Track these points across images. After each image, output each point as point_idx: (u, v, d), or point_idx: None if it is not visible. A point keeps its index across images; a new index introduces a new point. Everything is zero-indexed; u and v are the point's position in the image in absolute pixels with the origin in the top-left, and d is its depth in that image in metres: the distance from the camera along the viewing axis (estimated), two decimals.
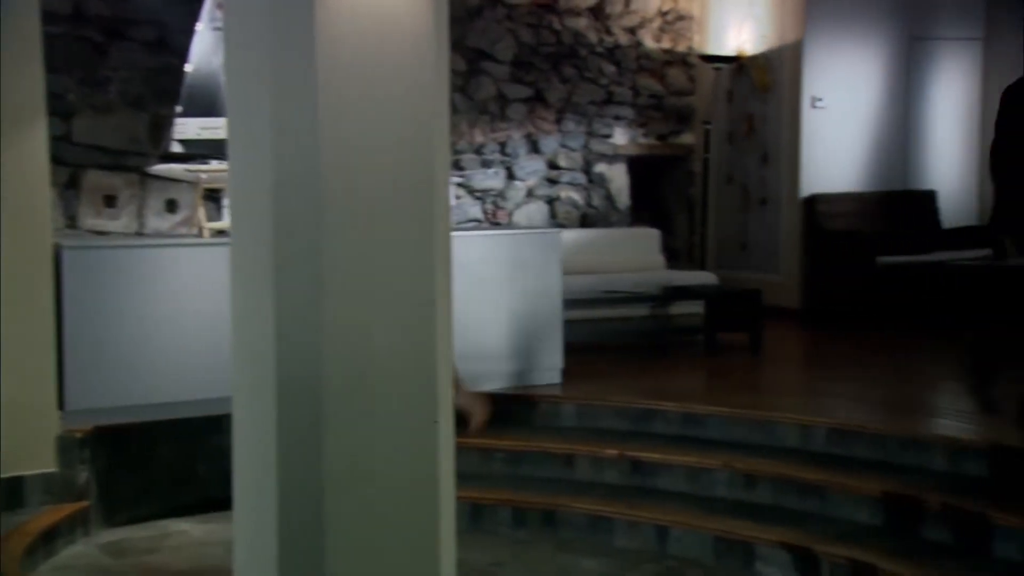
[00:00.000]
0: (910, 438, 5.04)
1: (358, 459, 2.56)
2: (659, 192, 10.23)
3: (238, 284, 2.70)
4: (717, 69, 9.50)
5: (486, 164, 9.19)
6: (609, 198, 9.73)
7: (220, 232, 6.00)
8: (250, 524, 2.64)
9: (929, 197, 9.33)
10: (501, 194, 9.29)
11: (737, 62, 9.46)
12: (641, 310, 7.73)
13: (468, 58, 9.07)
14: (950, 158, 9.49)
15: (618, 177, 9.76)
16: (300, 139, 2.53)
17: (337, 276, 2.54)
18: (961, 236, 9.01)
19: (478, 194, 9.16)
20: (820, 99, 8.97)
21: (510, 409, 6.05)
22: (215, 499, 4.97)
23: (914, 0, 9.30)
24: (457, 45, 8.93)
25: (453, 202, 8.78)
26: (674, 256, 9.69)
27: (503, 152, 9.28)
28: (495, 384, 6.15)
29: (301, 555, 2.53)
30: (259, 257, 2.60)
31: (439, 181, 2.63)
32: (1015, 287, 7.64)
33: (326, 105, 2.51)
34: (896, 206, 9.20)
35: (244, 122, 2.66)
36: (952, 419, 5.63)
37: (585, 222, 9.56)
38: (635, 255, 8.63)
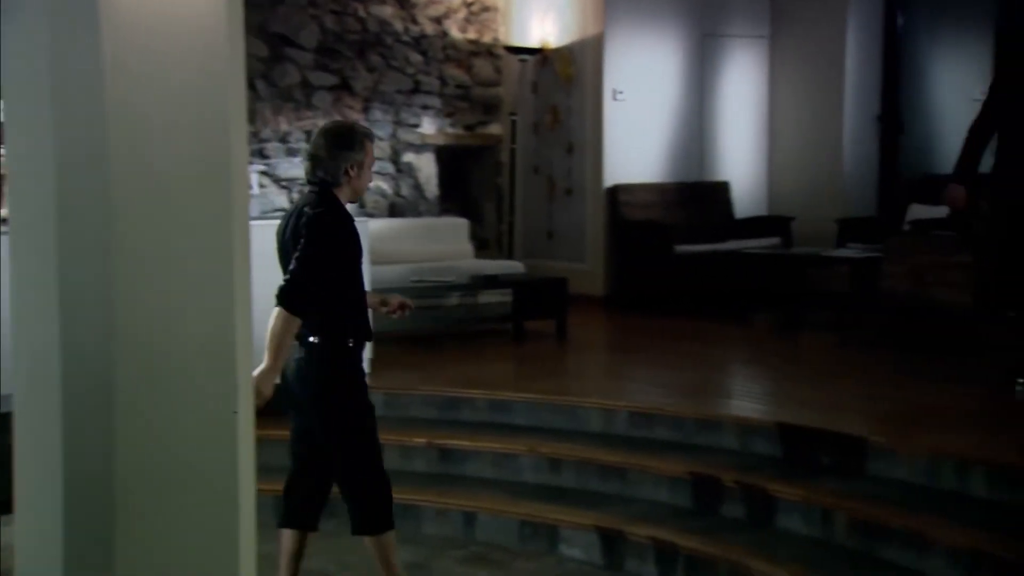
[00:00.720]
0: (706, 419, 5.25)
1: (152, 453, 2.47)
2: (467, 182, 10.29)
3: (19, 274, 2.56)
4: (522, 61, 9.63)
5: (291, 152, 9.02)
6: (418, 187, 9.72)
7: (1, 220, 5.66)
8: (34, 526, 2.51)
9: (723, 188, 9.74)
10: None
11: (541, 54, 9.61)
12: (450, 299, 7.76)
13: (270, 44, 8.87)
14: (741, 151, 9.94)
15: (426, 166, 9.77)
16: (85, 123, 2.42)
17: (128, 265, 2.45)
18: (752, 225, 9.47)
19: (284, 183, 8.98)
20: (621, 92, 9.22)
21: None
22: None
23: None
24: (259, 31, 8.72)
25: (256, 191, 8.57)
26: (483, 245, 9.78)
27: (309, 141, 9.11)
28: None
29: (89, 556, 2.42)
30: (41, 246, 2.48)
31: (236, 167, 2.56)
32: (799, 272, 8.08)
33: (113, 87, 2.40)
34: (692, 196, 9.56)
35: (22, 103, 2.52)
36: (744, 400, 5.91)
37: (394, 211, 9.52)
38: (444, 244, 8.66)
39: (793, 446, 4.94)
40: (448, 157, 10.03)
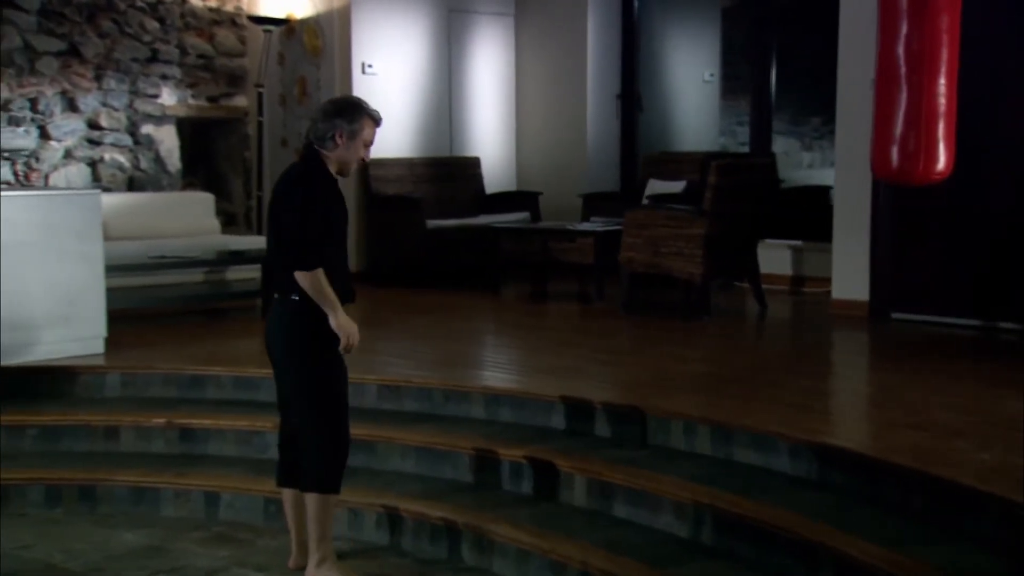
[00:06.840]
0: (453, 390, 5.30)
1: None
2: (212, 155, 9.96)
3: None
4: (267, 31, 9.38)
5: (15, 122, 8.44)
6: (159, 160, 9.31)
7: None
8: None
9: (474, 163, 9.87)
10: (34, 155, 8.58)
11: (288, 25, 9.40)
12: (195, 275, 7.50)
13: None
14: (491, 127, 10.10)
15: (168, 139, 9.36)
16: None
17: None
18: (502, 200, 9.65)
19: (7, 154, 8.38)
20: (371, 65, 9.16)
21: (45, 382, 5.66)
22: None
23: None
24: None
25: None
26: (230, 221, 9.51)
27: (35, 109, 8.55)
28: (30, 356, 5.71)
29: None
30: None
31: None
32: (546, 245, 8.31)
33: None
34: (444, 172, 9.63)
35: None
36: (491, 371, 6.02)
37: (133, 185, 9.08)
38: (188, 220, 8.35)
39: (533, 412, 5.06)
40: (191, 129, 9.67)
